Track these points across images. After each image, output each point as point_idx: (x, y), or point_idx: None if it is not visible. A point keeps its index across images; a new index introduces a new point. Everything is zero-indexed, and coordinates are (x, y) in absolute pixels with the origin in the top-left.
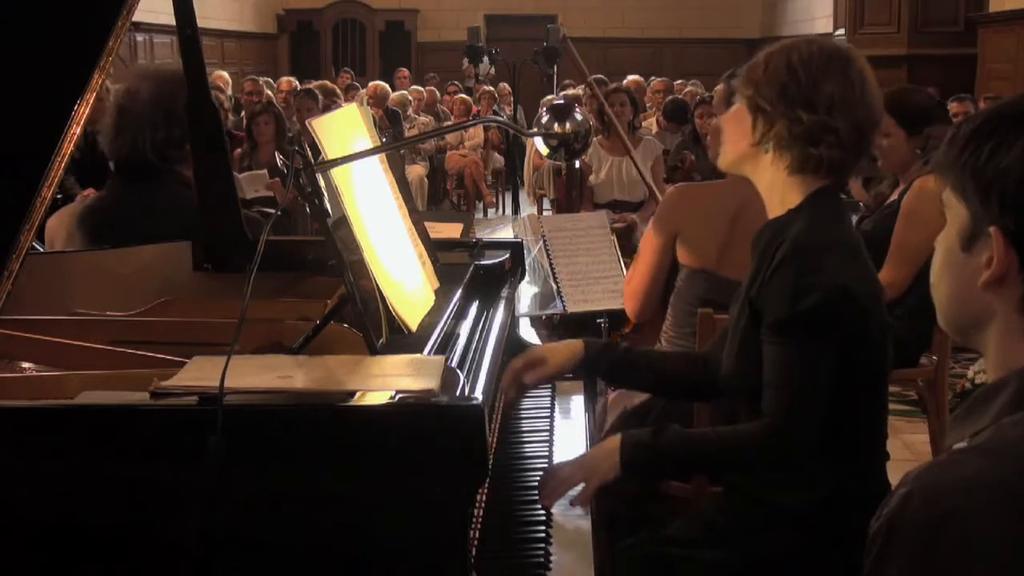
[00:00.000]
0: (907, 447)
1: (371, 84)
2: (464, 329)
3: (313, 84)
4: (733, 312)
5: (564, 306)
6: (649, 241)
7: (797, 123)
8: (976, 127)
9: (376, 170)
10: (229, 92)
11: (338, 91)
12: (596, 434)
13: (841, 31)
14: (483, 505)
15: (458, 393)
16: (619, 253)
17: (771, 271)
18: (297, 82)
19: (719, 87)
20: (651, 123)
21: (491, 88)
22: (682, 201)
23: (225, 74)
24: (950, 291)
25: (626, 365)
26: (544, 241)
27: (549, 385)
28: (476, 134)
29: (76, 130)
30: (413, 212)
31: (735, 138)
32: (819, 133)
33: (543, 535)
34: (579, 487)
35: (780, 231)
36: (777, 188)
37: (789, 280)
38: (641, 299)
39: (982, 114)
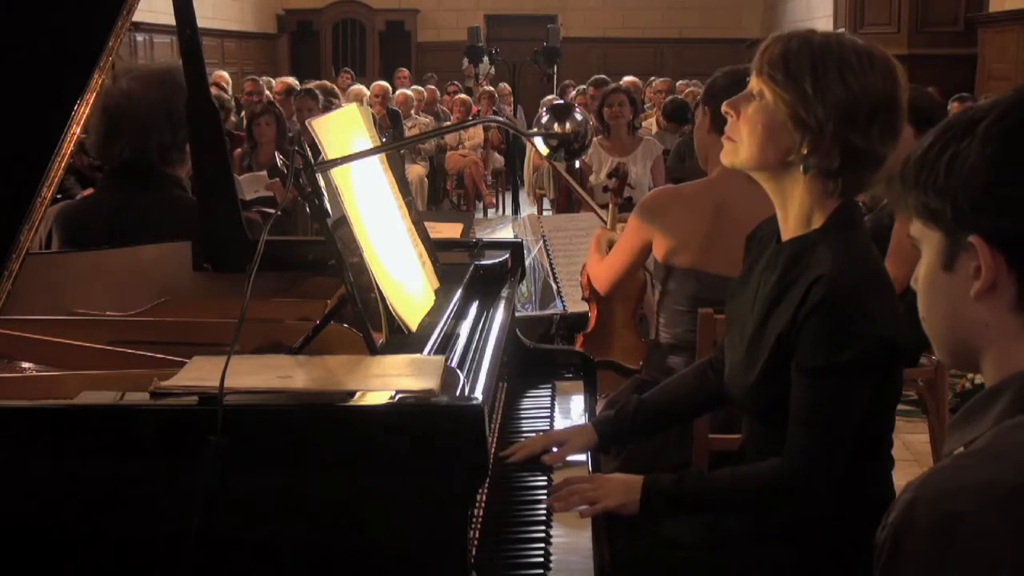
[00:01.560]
0: (907, 447)
1: (374, 84)
2: (464, 329)
3: (313, 84)
4: (732, 318)
5: (564, 306)
6: (627, 241)
7: (850, 149)
8: (924, 151)
9: (376, 170)
10: (230, 92)
11: (338, 91)
12: None
13: (841, 31)
14: (483, 505)
15: (458, 393)
16: None
17: (809, 310)
18: (297, 82)
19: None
20: (651, 123)
21: (491, 88)
22: (660, 205)
23: (225, 74)
24: (943, 315)
25: (644, 419)
26: (544, 241)
27: (549, 385)
28: (476, 134)
29: (76, 130)
30: (413, 212)
31: (761, 142)
32: (870, 161)
33: (543, 535)
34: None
35: (803, 253)
36: (805, 209)
37: (833, 325)
38: (612, 285)
39: (925, 139)
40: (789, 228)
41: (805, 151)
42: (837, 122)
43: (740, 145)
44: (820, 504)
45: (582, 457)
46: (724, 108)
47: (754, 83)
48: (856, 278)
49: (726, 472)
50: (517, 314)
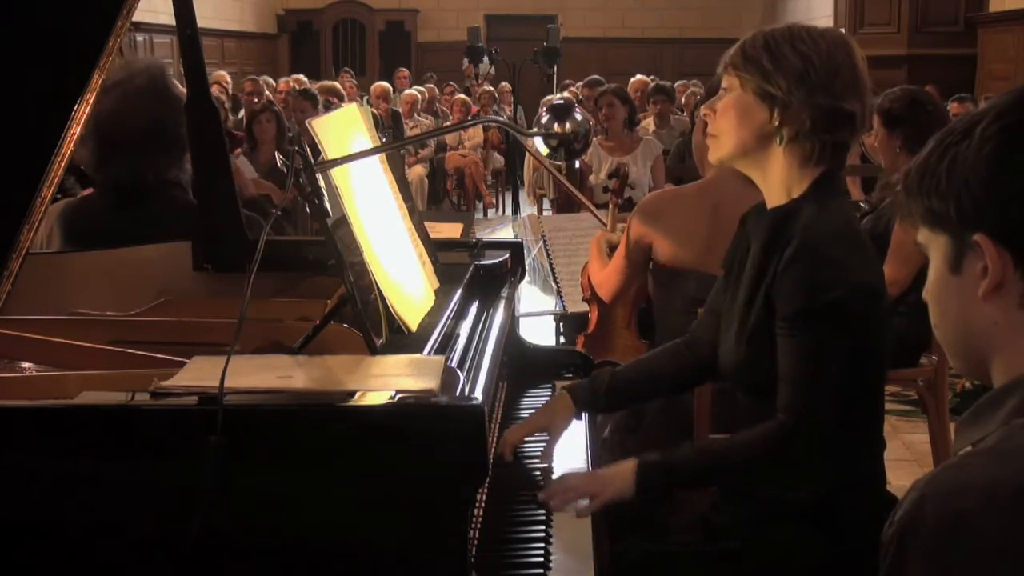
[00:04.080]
0: (907, 447)
1: (376, 85)
2: (464, 329)
3: (317, 85)
4: (726, 298)
5: (564, 306)
6: (628, 246)
7: (817, 110)
8: (924, 158)
9: (376, 170)
10: (230, 92)
11: (343, 91)
12: (596, 436)
13: (841, 31)
14: (483, 505)
15: (458, 393)
16: None
17: (785, 263)
18: (304, 79)
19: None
20: (649, 123)
21: (491, 88)
22: (659, 208)
23: (226, 74)
24: (954, 320)
25: (619, 389)
26: (544, 241)
27: (549, 385)
28: (476, 134)
29: (76, 130)
30: (413, 212)
31: (735, 127)
32: (840, 119)
33: (543, 535)
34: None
35: (785, 220)
36: (785, 180)
37: (807, 273)
38: (616, 292)
39: (925, 147)
40: (775, 202)
41: (777, 122)
42: (799, 87)
43: (720, 137)
44: (809, 458)
45: (582, 465)
46: (703, 111)
47: (724, 82)
48: (830, 229)
49: (717, 440)
50: (517, 314)
